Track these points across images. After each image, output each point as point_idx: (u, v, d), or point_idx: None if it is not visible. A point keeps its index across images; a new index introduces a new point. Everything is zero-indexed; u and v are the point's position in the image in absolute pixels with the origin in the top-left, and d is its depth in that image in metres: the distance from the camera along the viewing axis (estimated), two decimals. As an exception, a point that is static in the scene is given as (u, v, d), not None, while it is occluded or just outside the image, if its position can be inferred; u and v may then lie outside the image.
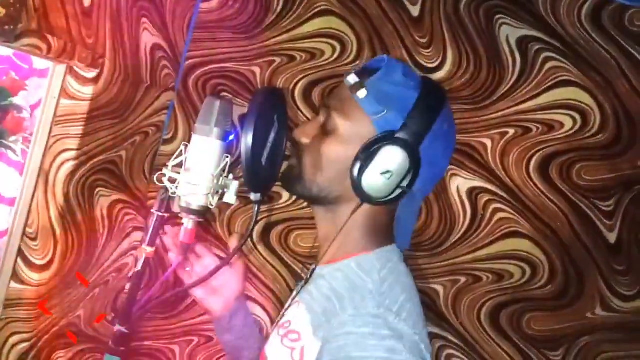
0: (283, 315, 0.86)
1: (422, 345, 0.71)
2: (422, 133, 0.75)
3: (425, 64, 1.33)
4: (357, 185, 0.76)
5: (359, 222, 0.81)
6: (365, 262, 0.79)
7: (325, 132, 0.81)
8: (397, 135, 0.74)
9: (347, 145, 0.78)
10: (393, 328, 0.69)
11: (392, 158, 0.74)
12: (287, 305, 0.84)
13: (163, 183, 0.88)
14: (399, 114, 0.76)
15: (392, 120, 0.75)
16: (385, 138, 0.74)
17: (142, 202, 1.34)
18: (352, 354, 0.67)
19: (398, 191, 0.76)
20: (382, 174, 0.75)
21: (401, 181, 0.75)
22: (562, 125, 1.33)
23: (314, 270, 0.84)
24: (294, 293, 0.87)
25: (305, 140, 0.84)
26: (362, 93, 0.78)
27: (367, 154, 0.75)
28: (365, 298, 0.72)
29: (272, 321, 1.36)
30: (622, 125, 1.32)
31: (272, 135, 0.88)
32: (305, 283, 0.85)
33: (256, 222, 0.91)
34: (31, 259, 1.05)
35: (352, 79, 0.80)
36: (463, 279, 1.37)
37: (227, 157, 0.89)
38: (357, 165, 0.75)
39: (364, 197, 0.77)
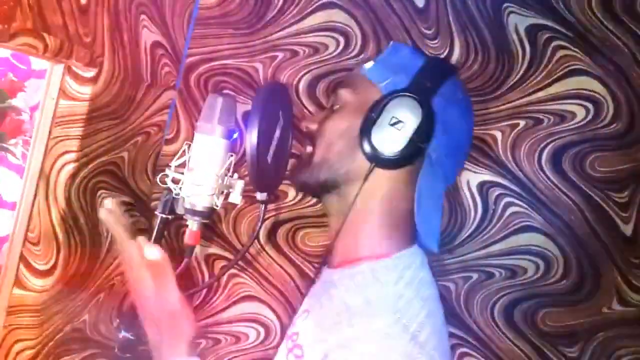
0: (292, 326, 0.81)
1: None
2: (430, 90, 0.71)
3: (433, 54, 1.30)
4: (367, 142, 0.70)
5: (374, 206, 0.74)
6: (382, 271, 0.71)
7: (333, 110, 0.78)
8: (404, 88, 0.71)
9: (354, 114, 0.74)
10: (405, 352, 0.61)
11: (401, 107, 0.69)
12: (297, 315, 0.79)
13: (166, 184, 0.85)
14: (405, 77, 0.73)
15: (399, 83, 0.72)
16: (392, 92, 0.71)
17: (145, 204, 1.31)
18: None
19: (411, 147, 0.70)
20: (393, 124, 0.70)
21: (415, 132, 0.69)
22: (574, 115, 1.30)
23: (320, 270, 0.79)
24: (305, 302, 0.82)
25: (312, 126, 0.80)
26: (368, 64, 0.76)
27: (375, 111, 0.71)
28: (378, 314, 0.65)
29: (281, 323, 1.34)
30: (636, 114, 1.28)
31: (277, 132, 0.85)
32: (313, 283, 0.81)
33: (263, 222, 0.88)
34: (34, 264, 1.02)
35: (368, 64, 0.78)
36: (475, 276, 1.33)
37: (232, 155, 0.86)
38: (366, 125, 0.71)
39: (376, 157, 0.71)
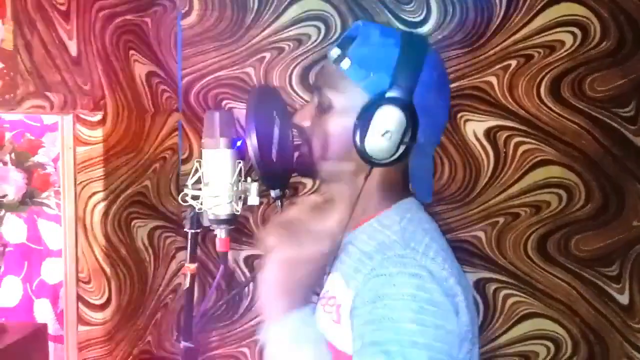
0: (322, 288, 0.89)
1: (452, 280, 0.72)
2: (411, 86, 0.76)
3: (411, 19, 1.32)
4: (362, 152, 0.77)
5: (374, 186, 0.82)
6: (385, 218, 0.81)
7: (322, 110, 0.83)
8: (387, 94, 0.75)
9: (344, 117, 0.79)
10: (421, 265, 0.70)
11: (388, 118, 0.75)
12: (324, 278, 0.87)
13: (187, 202, 0.92)
14: (385, 74, 0.77)
15: (380, 82, 0.77)
16: (377, 100, 0.76)
17: (177, 223, 1.39)
18: (381, 292, 0.70)
19: (402, 147, 0.77)
20: (382, 135, 0.76)
21: (403, 137, 0.76)
22: (563, 43, 1.31)
23: (341, 239, 0.86)
24: (328, 266, 0.90)
25: (305, 123, 0.86)
26: (345, 63, 0.79)
27: (363, 120, 0.76)
28: (391, 246, 0.74)
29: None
30: (624, 29, 1.29)
31: (276, 131, 0.90)
32: (337, 254, 0.88)
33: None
34: (90, 300, 1.11)
35: (334, 52, 0.82)
36: (502, 220, 1.37)
37: (240, 162, 0.92)
38: (357, 133, 0.77)
39: (372, 162, 0.78)
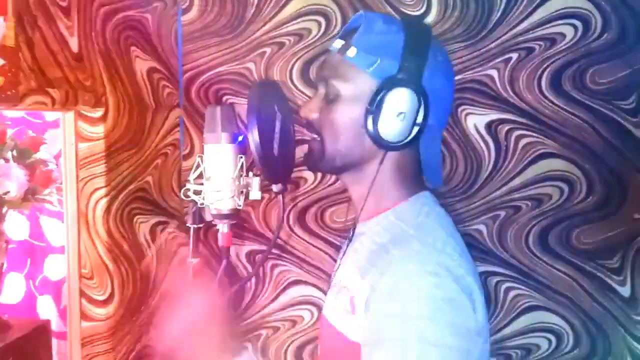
0: (333, 277, 0.89)
1: (469, 278, 0.72)
2: (419, 70, 0.76)
3: (411, 13, 1.32)
4: (376, 136, 0.77)
5: (387, 175, 0.82)
6: (402, 211, 0.81)
7: (329, 101, 0.82)
8: (398, 77, 0.76)
9: (354, 105, 0.79)
10: (439, 263, 0.71)
11: (400, 100, 0.75)
12: (336, 267, 0.88)
13: (190, 197, 0.92)
14: (393, 59, 0.77)
15: (388, 67, 0.77)
16: (388, 83, 0.76)
17: (180, 219, 1.39)
18: (399, 288, 0.70)
19: (416, 129, 0.77)
20: (396, 117, 0.76)
21: (415, 118, 0.76)
22: (563, 36, 1.30)
23: (354, 228, 0.86)
24: (341, 254, 0.91)
25: (313, 115, 0.85)
26: (351, 52, 0.79)
27: (375, 105, 0.76)
28: (409, 242, 0.74)
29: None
30: (626, 20, 1.28)
31: (277, 125, 0.91)
32: (350, 242, 0.88)
33: (284, 211, 0.94)
34: (93, 296, 1.11)
35: (338, 43, 0.82)
36: (503, 213, 1.37)
37: (242, 157, 0.92)
38: (370, 119, 0.77)
39: (387, 146, 0.78)
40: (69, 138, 1.08)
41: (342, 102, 0.82)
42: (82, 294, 1.11)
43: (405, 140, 0.78)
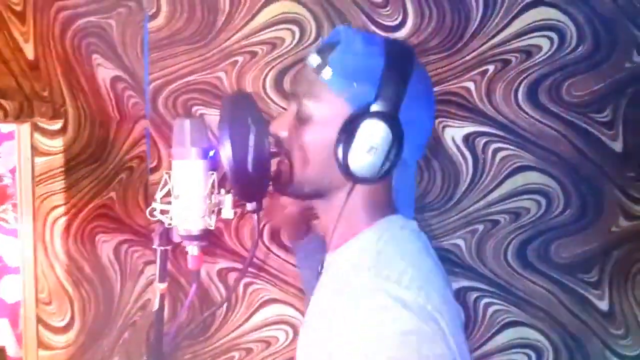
0: (306, 312, 0.85)
1: (430, 306, 0.66)
2: (398, 100, 0.72)
3: (387, 23, 1.29)
4: (345, 169, 0.73)
5: (356, 204, 0.78)
6: (363, 237, 0.77)
7: (301, 120, 0.77)
8: (372, 108, 0.71)
9: (326, 129, 0.74)
10: (394, 296, 0.65)
11: (373, 133, 0.71)
12: (307, 301, 0.83)
13: (156, 217, 0.86)
14: (370, 86, 0.72)
15: (364, 94, 0.72)
16: (361, 114, 0.71)
17: (146, 236, 1.32)
18: (355, 327, 0.66)
19: (387, 164, 0.73)
20: (367, 151, 0.72)
21: (388, 153, 0.72)
22: (539, 48, 1.30)
23: (323, 260, 0.82)
24: (315, 287, 0.86)
25: (282, 133, 0.80)
26: (327, 73, 0.74)
27: (346, 134, 0.71)
28: (361, 276, 0.70)
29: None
30: (599, 31, 1.29)
31: (251, 139, 0.85)
32: (319, 274, 0.83)
33: (260, 231, 0.89)
34: (51, 323, 1.04)
35: (314, 59, 0.77)
36: (481, 227, 1.35)
37: (213, 173, 0.87)
38: (340, 149, 0.72)
39: (355, 179, 0.74)
40: (25, 152, 1.00)
41: (314, 124, 0.76)
42: (39, 320, 1.04)
43: (376, 176, 0.74)
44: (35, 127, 0.99)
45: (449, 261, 1.33)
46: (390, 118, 0.71)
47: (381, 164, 0.72)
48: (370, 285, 0.68)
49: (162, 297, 0.90)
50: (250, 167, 0.84)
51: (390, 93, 0.72)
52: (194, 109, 1.33)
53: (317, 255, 0.87)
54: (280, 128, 0.81)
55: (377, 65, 0.73)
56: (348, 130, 0.72)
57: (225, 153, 0.79)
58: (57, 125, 1.00)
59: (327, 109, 0.75)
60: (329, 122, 0.74)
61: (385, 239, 0.75)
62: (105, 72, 1.16)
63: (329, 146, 0.74)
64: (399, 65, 0.74)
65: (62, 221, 1.02)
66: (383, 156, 0.72)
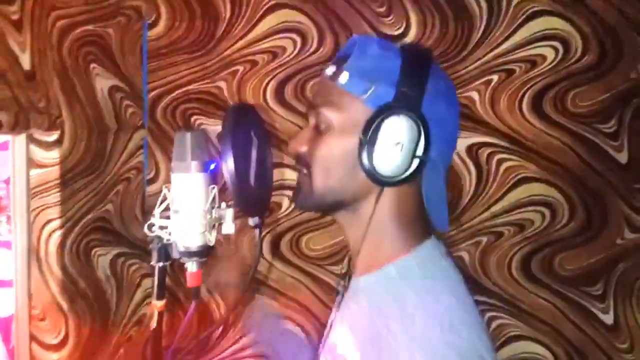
0: (328, 334, 0.80)
1: (484, 350, 0.64)
2: (419, 95, 0.69)
3: (390, 33, 1.27)
4: (370, 170, 0.68)
5: (386, 217, 0.73)
6: (404, 268, 0.71)
7: (320, 132, 0.74)
8: (394, 104, 0.68)
9: (346, 136, 0.70)
10: (451, 345, 0.62)
11: (397, 128, 0.67)
12: (330, 321, 0.79)
13: (154, 232, 0.83)
14: (388, 85, 0.69)
15: (383, 94, 0.69)
16: (383, 111, 0.68)
17: (143, 248, 1.29)
18: None
19: (416, 161, 0.69)
20: (394, 147, 0.68)
21: (415, 149, 0.68)
22: (544, 58, 1.28)
23: (349, 280, 0.78)
24: (334, 308, 0.82)
25: (301, 148, 0.77)
26: (343, 77, 0.72)
27: (369, 134, 0.68)
28: (413, 317, 0.65)
29: (306, 334, 1.33)
30: (605, 41, 1.27)
31: (253, 153, 0.83)
32: (343, 296, 0.79)
33: (261, 247, 0.86)
34: (45, 340, 1.01)
35: (330, 70, 0.75)
36: (485, 239, 1.32)
37: (214, 187, 0.84)
38: (365, 150, 0.69)
39: (383, 181, 0.69)
40: (19, 164, 0.97)
41: (334, 132, 0.73)
42: (32, 337, 1.00)
43: (404, 175, 0.69)
44: (31, 139, 0.97)
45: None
46: (413, 112, 0.68)
47: (409, 161, 0.69)
48: (425, 333, 0.64)
49: (160, 315, 0.87)
50: (252, 180, 0.82)
51: (410, 90, 0.69)
52: (193, 118, 1.30)
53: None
54: (299, 144, 0.77)
55: (394, 65, 0.70)
56: (371, 130, 0.68)
57: (228, 167, 0.77)
58: (53, 136, 0.97)
59: (346, 114, 0.71)
60: (349, 128, 0.70)
61: (431, 272, 0.71)
62: (103, 81, 1.13)
63: (351, 153, 0.69)
64: (416, 64, 0.71)
65: (57, 235, 0.99)
66: (411, 151, 0.68)
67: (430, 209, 0.76)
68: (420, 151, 0.69)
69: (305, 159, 0.76)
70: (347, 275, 0.79)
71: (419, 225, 0.75)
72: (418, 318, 0.65)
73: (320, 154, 0.73)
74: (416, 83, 0.70)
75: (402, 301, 0.67)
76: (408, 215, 0.74)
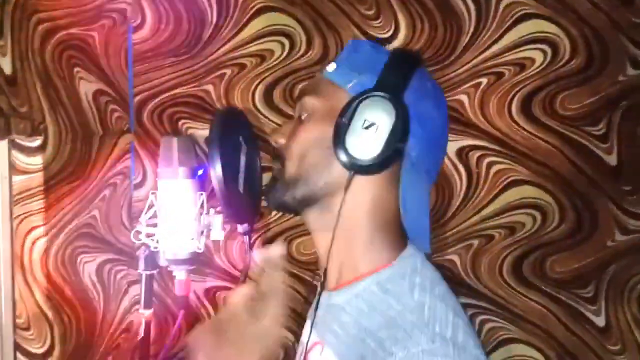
0: (306, 358, 0.75)
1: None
2: (401, 86, 0.67)
3: (379, 35, 1.27)
4: (342, 151, 0.65)
5: (362, 212, 0.68)
6: (389, 281, 0.67)
7: (301, 121, 0.72)
8: (373, 89, 0.66)
9: (325, 121, 0.67)
10: (450, 357, 0.59)
11: (372, 109, 0.65)
12: (305, 342, 0.73)
13: (141, 240, 0.82)
14: (372, 75, 0.68)
15: (367, 82, 0.67)
16: (362, 93, 0.66)
17: (130, 254, 1.26)
18: None
19: (391, 147, 0.64)
20: (367, 127, 0.66)
21: (391, 133, 0.66)
22: (533, 61, 1.28)
23: (319, 294, 0.74)
24: (308, 323, 0.76)
25: (281, 140, 0.74)
26: (330, 67, 0.71)
27: (345, 115, 0.66)
28: (411, 334, 0.61)
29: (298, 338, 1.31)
30: (592, 45, 1.27)
31: (242, 159, 0.81)
32: (315, 312, 0.71)
33: (251, 253, 0.84)
34: (30, 349, 0.98)
35: (329, 67, 0.73)
36: (476, 242, 1.32)
37: (202, 193, 0.83)
38: (339, 132, 0.65)
39: (355, 165, 0.65)
40: (2, 171, 0.95)
41: (313, 118, 0.70)
42: (17, 347, 0.98)
43: (376, 159, 0.65)
44: (14, 144, 0.94)
45: (444, 278, 1.30)
46: (391, 96, 0.66)
47: (384, 145, 0.65)
48: (427, 347, 0.60)
49: (147, 324, 0.85)
50: (241, 187, 0.80)
51: (392, 79, 0.67)
52: (180, 122, 1.28)
53: None
54: (279, 136, 0.74)
55: (381, 59, 0.69)
56: (347, 111, 0.66)
57: (216, 174, 0.75)
58: (37, 142, 0.95)
59: (327, 101, 0.69)
60: (329, 114, 0.67)
61: (420, 285, 0.67)
62: (87, 85, 1.11)
63: (327, 139, 0.66)
64: (402, 60, 0.70)
65: (42, 242, 0.97)
66: (385, 136, 0.65)
67: (408, 220, 0.71)
68: (396, 136, 0.65)
69: (282, 153, 0.73)
70: (319, 292, 0.73)
71: (397, 231, 0.71)
72: (420, 336, 0.61)
73: (297, 140, 0.70)
74: (400, 75, 0.68)
75: (396, 320, 0.64)
76: (384, 219, 0.70)
